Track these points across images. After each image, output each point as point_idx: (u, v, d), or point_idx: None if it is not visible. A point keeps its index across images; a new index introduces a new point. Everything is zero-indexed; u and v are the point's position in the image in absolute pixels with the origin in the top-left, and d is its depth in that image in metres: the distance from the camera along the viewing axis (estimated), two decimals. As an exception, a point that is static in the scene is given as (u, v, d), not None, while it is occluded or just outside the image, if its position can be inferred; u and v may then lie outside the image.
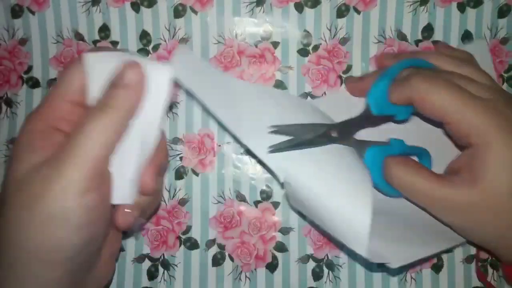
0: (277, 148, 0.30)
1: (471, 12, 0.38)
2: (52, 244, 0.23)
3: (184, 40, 0.38)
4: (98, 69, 0.26)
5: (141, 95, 0.26)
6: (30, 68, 0.38)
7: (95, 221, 0.24)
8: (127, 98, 0.25)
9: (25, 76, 0.38)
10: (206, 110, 0.37)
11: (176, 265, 0.37)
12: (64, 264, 0.24)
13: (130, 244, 0.38)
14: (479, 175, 0.27)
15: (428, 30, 0.38)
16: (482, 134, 0.27)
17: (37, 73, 0.38)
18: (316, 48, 0.38)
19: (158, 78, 0.26)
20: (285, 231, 0.37)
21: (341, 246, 0.37)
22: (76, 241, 0.24)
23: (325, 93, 0.38)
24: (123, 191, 0.26)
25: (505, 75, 0.38)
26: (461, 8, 0.38)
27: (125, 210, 0.27)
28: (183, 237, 0.38)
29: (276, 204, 0.37)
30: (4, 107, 0.38)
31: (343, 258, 0.37)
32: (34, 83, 0.38)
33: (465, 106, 0.28)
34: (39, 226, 0.23)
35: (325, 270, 0.37)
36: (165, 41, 0.38)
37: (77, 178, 0.23)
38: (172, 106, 0.38)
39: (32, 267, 0.24)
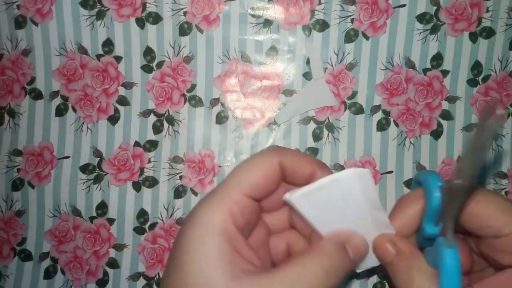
0: None
1: (482, 42, 0.37)
2: None
3: (188, 58, 0.37)
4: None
5: None
6: (33, 80, 0.38)
7: None
8: (352, 265, 0.25)
9: (28, 87, 0.38)
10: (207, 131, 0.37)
11: None
12: None
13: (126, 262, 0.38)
14: None
15: (438, 59, 0.37)
16: None
17: (40, 84, 0.38)
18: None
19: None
20: (281, 254, 0.38)
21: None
22: None
23: (328, 118, 0.38)
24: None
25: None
26: (473, 38, 0.37)
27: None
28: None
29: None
30: (6, 117, 0.38)
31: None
32: (37, 95, 0.38)
33: None
34: None
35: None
36: (169, 58, 0.38)
37: None
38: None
39: None
